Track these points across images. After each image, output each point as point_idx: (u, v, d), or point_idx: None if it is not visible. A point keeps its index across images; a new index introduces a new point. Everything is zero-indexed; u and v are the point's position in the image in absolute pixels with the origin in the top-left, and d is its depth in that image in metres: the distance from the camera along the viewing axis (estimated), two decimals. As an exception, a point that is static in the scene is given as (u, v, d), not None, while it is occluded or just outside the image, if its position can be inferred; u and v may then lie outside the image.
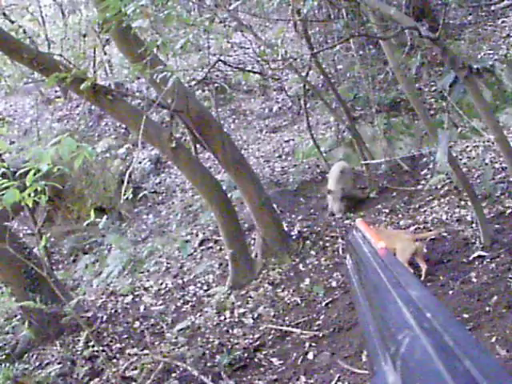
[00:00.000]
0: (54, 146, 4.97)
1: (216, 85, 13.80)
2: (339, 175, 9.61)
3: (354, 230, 1.89)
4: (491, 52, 12.62)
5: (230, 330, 7.10)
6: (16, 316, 8.42)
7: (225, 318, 7.46)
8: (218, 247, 9.51)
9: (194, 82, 12.91)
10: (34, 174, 4.95)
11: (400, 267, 1.33)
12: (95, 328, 7.87)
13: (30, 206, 6.16)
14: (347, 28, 11.48)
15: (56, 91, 17.35)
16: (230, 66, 9.45)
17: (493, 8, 14.15)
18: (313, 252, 8.36)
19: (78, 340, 7.48)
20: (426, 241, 7.03)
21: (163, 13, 5.55)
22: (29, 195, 5.13)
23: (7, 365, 7.12)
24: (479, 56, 12.53)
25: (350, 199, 9.60)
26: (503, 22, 13.73)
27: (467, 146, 10.19)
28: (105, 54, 15.13)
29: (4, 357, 7.57)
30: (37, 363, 7.32)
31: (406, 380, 0.93)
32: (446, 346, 0.90)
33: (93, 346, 7.11)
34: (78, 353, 7.20)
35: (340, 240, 8.43)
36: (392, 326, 1.09)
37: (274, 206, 9.15)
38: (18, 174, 5.72)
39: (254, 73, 11.93)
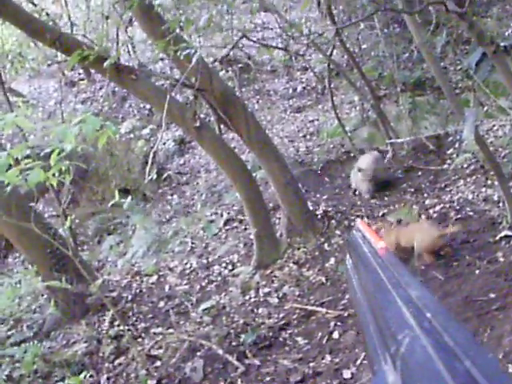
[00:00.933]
0: (78, 125, 4.99)
1: (240, 65, 13.77)
2: (374, 156, 9.50)
3: (354, 230, 1.87)
4: (519, 30, 12.47)
5: (255, 310, 7.09)
6: (43, 295, 8.49)
7: (249, 298, 7.46)
8: (243, 227, 9.50)
9: (217, 61, 12.89)
10: (58, 154, 4.96)
11: (400, 267, 1.32)
12: (120, 307, 7.91)
13: (55, 186, 6.18)
14: (373, 3, 11.37)
15: (79, 73, 17.39)
16: (254, 41, 9.37)
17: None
18: (338, 231, 8.33)
19: (104, 319, 7.53)
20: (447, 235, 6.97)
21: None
22: (53, 175, 5.14)
23: (35, 342, 7.19)
24: (506, 33, 12.37)
25: (379, 181, 9.45)
26: (532, -2, 13.56)
27: (494, 125, 10.08)
28: (128, 36, 15.07)
29: (32, 335, 7.65)
30: (63, 342, 7.38)
31: (406, 380, 0.92)
32: (446, 346, 0.89)
33: (118, 326, 7.15)
34: (104, 332, 7.25)
35: (366, 219, 8.40)
36: (392, 326, 1.08)
37: (299, 185, 9.12)
38: (42, 154, 5.75)
39: (279, 49, 11.86)
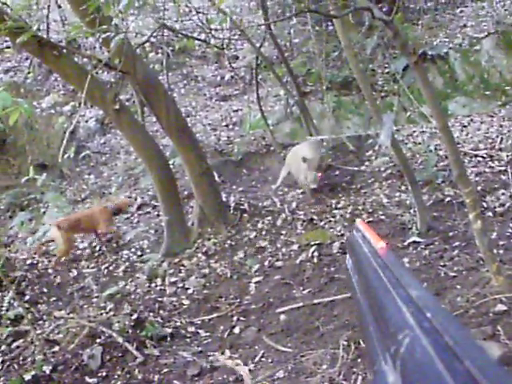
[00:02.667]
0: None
1: (170, 48, 13.62)
2: (316, 144, 9.37)
3: (354, 230, 1.85)
4: (447, 40, 12.72)
5: (160, 298, 7.04)
6: None
7: (156, 286, 7.41)
8: (156, 213, 9.42)
9: (143, 46, 12.71)
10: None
11: (400, 267, 1.31)
12: (23, 288, 7.75)
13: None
14: (298, 3, 11.39)
15: (6, 41, 16.90)
16: (173, 31, 9.26)
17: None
18: (249, 225, 8.34)
19: (4, 299, 7.36)
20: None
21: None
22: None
23: None
24: (435, 43, 12.60)
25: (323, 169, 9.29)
26: (461, 11, 13.85)
27: (414, 131, 10.26)
28: (59, 6, 14.74)
29: None
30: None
31: (406, 380, 0.93)
32: (446, 346, 0.89)
33: (18, 307, 6.99)
34: (3, 313, 7.08)
35: (277, 215, 8.43)
36: (392, 326, 1.08)
37: (216, 175, 9.10)
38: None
39: (198, 40, 11.74)
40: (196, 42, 14.47)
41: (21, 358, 6.12)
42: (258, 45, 10.64)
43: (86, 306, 7.10)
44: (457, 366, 0.83)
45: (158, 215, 9.19)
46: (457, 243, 6.62)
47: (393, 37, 5.51)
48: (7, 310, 7.09)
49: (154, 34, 7.94)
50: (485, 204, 7.46)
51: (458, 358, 0.85)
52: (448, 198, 7.77)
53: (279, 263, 7.29)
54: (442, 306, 1.07)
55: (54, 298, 7.56)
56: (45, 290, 7.80)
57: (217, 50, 14.66)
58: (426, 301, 1.06)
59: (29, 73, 15.11)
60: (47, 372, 5.62)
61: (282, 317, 6.11)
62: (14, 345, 6.41)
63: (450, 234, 6.91)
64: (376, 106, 7.43)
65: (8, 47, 16.66)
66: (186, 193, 9.33)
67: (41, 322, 6.87)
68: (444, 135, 5.47)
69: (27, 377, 5.50)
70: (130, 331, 6.21)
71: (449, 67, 11.97)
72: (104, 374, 5.71)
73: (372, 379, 1.13)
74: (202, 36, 11.70)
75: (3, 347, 6.38)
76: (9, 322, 6.85)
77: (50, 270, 8.36)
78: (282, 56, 10.43)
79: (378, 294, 1.31)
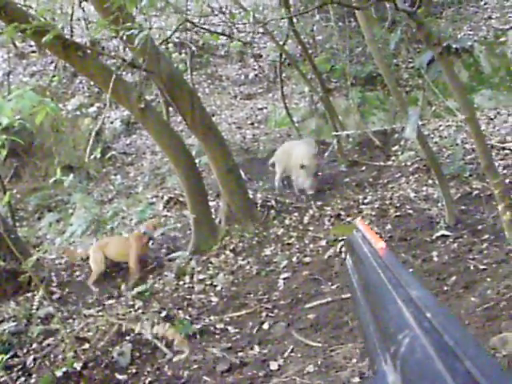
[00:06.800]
0: (15, 99, 4.88)
1: (193, 48, 13.66)
2: (313, 150, 9.39)
3: (353, 230, 1.85)
4: (471, 33, 12.60)
5: (188, 296, 7.05)
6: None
7: (184, 283, 7.42)
8: (183, 211, 9.43)
9: (167, 44, 12.75)
10: (-6, 128, 4.86)
11: (400, 267, 1.31)
12: (53, 287, 7.81)
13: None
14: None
15: (31, 45, 17.03)
16: (196, 26, 9.26)
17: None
18: (276, 222, 8.33)
19: (34, 299, 7.42)
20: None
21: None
22: (-13, 149, 5.03)
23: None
24: (459, 36, 12.49)
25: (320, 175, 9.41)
26: (485, 3, 13.72)
27: (440, 125, 10.19)
28: (82, 9, 14.84)
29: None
30: (-8, 320, 7.25)
31: (406, 380, 0.94)
32: (446, 346, 0.89)
33: (48, 306, 7.04)
34: (34, 312, 7.13)
35: (304, 211, 8.42)
36: (392, 326, 1.09)
37: (242, 173, 9.09)
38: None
39: (222, 35, 11.76)
40: (219, 41, 14.53)
41: (52, 356, 6.16)
42: (281, 42, 10.64)
43: (114, 305, 7.15)
44: (457, 366, 0.83)
45: (185, 213, 9.21)
46: (486, 236, 6.54)
47: (417, 28, 5.49)
48: (37, 309, 7.15)
49: (178, 32, 7.99)
50: (513, 196, 7.40)
51: (458, 358, 0.85)
52: (476, 192, 7.69)
53: (307, 259, 7.27)
54: (442, 306, 1.07)
55: (83, 297, 7.61)
56: (73, 289, 7.85)
57: (240, 48, 14.69)
58: (426, 301, 1.06)
59: (54, 76, 15.23)
60: (78, 369, 5.65)
61: (311, 312, 6.10)
62: (45, 343, 6.46)
63: (479, 227, 6.83)
64: (402, 99, 7.39)
65: (33, 51, 16.81)
66: (212, 191, 9.34)
67: (70, 321, 6.90)
68: (471, 126, 5.44)
69: (59, 373, 5.55)
70: (160, 328, 6.23)
71: (474, 60, 11.86)
72: (134, 370, 5.74)
73: (372, 379, 1.13)
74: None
75: (35, 345, 6.43)
76: (39, 320, 6.90)
77: (78, 270, 8.41)
78: (305, 53, 10.40)
79: (378, 293, 1.31)
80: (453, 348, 0.87)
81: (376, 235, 1.62)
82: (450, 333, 0.91)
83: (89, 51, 7.57)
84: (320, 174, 9.26)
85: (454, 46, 11.87)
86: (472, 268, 5.92)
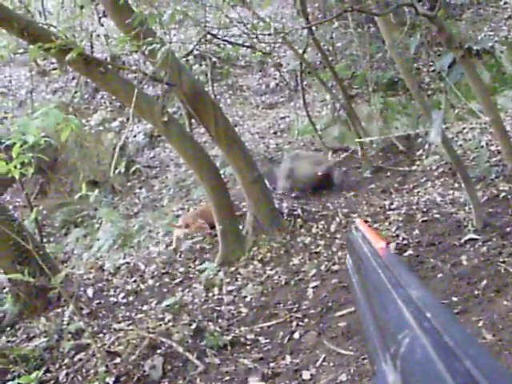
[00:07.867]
0: (40, 117, 4.91)
1: (213, 59, 13.71)
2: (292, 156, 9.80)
3: (354, 230, 1.84)
4: (492, 33, 12.54)
5: (218, 307, 7.05)
6: (4, 288, 8.39)
7: (213, 295, 7.42)
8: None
9: (188, 57, 12.83)
10: (21, 146, 4.89)
11: (400, 267, 1.30)
12: (82, 302, 7.84)
13: (17, 178, 6.08)
14: (341, 3, 11.37)
15: (52, 63, 17.20)
16: (218, 38, 9.31)
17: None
18: (303, 230, 8.31)
19: (64, 314, 7.45)
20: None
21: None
22: (15, 167, 5.07)
23: (-5, 336, 7.10)
24: (479, 37, 12.44)
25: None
26: (505, 3, 13.64)
27: (464, 128, 10.14)
28: (102, 25, 14.95)
29: (-8, 329, 7.56)
30: (24, 336, 7.28)
31: (406, 380, 0.91)
32: (446, 346, 0.87)
33: (79, 321, 7.08)
34: (64, 327, 7.17)
35: (331, 219, 8.40)
36: (392, 326, 1.06)
37: (266, 183, 9.09)
38: (3, 145, 5.66)
39: (244, 46, 11.80)
40: (239, 51, 14.58)
41: (84, 370, 6.17)
42: (300, 51, 10.65)
43: (144, 319, 7.16)
44: (457, 366, 0.82)
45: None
46: (515, 238, 6.51)
47: (437, 32, 5.48)
48: (68, 324, 7.17)
49: (199, 45, 8.04)
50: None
51: (457, 358, 0.83)
52: (503, 194, 7.63)
53: (336, 267, 7.24)
54: (442, 305, 1.06)
55: (112, 311, 7.63)
56: (103, 304, 7.88)
57: (260, 58, 14.73)
58: (426, 301, 1.04)
59: (76, 92, 15.36)
60: (110, 383, 5.67)
61: (342, 320, 6.07)
62: (77, 358, 6.48)
63: (508, 229, 6.77)
64: (425, 103, 7.36)
65: (54, 69, 16.97)
66: (237, 202, 9.35)
67: (101, 335, 6.92)
68: (495, 128, 5.43)
69: (92, 388, 5.58)
70: (190, 341, 6.24)
71: (495, 61, 11.79)
72: (166, 383, 5.74)
73: (372, 379, 1.12)
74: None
75: (66, 360, 6.45)
76: (70, 335, 6.93)
77: (107, 284, 8.44)
78: (326, 60, 10.41)
79: (378, 293, 1.29)
80: (453, 348, 0.86)
81: (376, 235, 1.61)
82: (450, 333, 0.90)
83: (110, 66, 7.62)
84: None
85: (475, 47, 11.82)
86: (503, 271, 5.86)
